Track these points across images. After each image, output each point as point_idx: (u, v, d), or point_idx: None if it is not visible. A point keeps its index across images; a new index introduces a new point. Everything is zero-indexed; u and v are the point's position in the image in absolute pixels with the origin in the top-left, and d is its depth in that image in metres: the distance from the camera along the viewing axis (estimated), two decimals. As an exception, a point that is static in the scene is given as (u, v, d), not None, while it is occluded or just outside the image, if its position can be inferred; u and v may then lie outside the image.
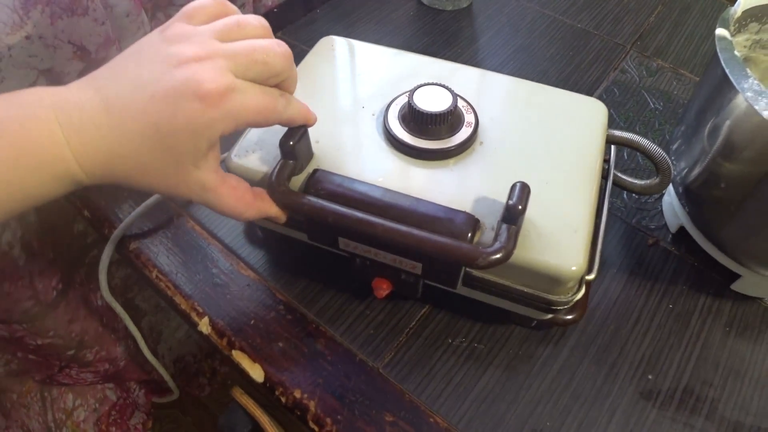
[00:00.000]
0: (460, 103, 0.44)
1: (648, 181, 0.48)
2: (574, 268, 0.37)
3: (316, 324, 0.46)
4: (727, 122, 0.42)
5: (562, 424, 0.42)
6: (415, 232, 0.35)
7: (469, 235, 0.37)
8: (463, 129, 0.43)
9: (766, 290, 0.50)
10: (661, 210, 0.56)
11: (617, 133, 0.46)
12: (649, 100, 0.66)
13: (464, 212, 0.38)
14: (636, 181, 0.49)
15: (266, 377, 0.43)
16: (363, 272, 0.43)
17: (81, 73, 0.59)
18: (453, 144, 0.42)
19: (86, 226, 0.71)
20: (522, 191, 0.36)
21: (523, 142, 0.44)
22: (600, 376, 0.44)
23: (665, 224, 0.54)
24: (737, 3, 0.46)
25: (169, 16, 0.69)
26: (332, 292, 0.47)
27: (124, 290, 0.82)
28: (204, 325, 0.45)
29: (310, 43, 0.52)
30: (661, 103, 0.65)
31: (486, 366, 0.44)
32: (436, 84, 0.43)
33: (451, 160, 0.42)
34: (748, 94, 0.39)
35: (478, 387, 0.43)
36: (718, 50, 0.42)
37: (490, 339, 0.45)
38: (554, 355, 0.45)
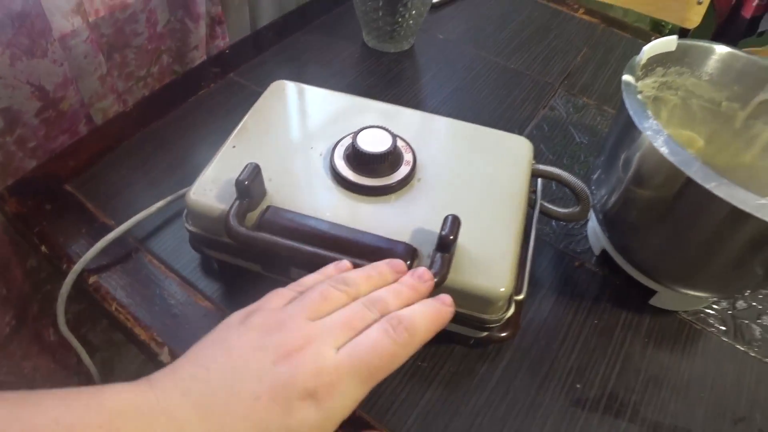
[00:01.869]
0: (400, 144, 0.48)
1: (570, 210, 0.54)
2: (502, 290, 0.42)
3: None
4: (636, 155, 0.48)
5: (500, 432, 0.46)
6: (360, 262, 0.39)
7: (408, 262, 0.41)
8: (402, 167, 0.47)
9: (680, 304, 0.56)
10: (586, 235, 0.62)
11: (541, 167, 0.52)
12: (575, 134, 0.72)
13: (404, 243, 0.42)
14: (560, 210, 0.54)
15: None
16: None
17: (38, 113, 0.61)
18: (393, 181, 0.46)
19: (39, 262, 0.72)
20: (453, 223, 0.40)
21: (457, 177, 0.48)
22: (533, 387, 0.49)
23: (590, 248, 0.60)
24: (641, 52, 0.52)
25: (125, 57, 0.72)
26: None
27: (77, 326, 0.83)
28: (164, 355, 0.48)
29: (261, 83, 0.57)
30: (587, 137, 0.72)
31: (429, 382, 0.48)
32: (377, 126, 0.47)
33: (392, 196, 0.47)
34: (648, 132, 0.45)
35: (422, 402, 0.47)
36: (623, 94, 0.48)
37: (433, 357, 0.50)
38: (491, 371, 0.49)
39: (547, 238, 0.61)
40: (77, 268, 0.51)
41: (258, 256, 0.46)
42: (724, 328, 0.56)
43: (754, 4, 1.89)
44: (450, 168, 0.49)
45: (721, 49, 0.56)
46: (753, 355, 0.54)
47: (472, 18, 0.91)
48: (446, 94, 0.76)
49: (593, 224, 0.60)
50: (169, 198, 0.55)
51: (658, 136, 0.44)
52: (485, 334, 0.47)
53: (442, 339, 0.49)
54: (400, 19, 0.75)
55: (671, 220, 0.47)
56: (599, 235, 0.58)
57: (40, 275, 0.73)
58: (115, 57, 0.70)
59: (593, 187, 0.56)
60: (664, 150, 0.43)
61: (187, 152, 0.64)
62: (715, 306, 0.57)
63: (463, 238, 0.42)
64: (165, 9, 0.73)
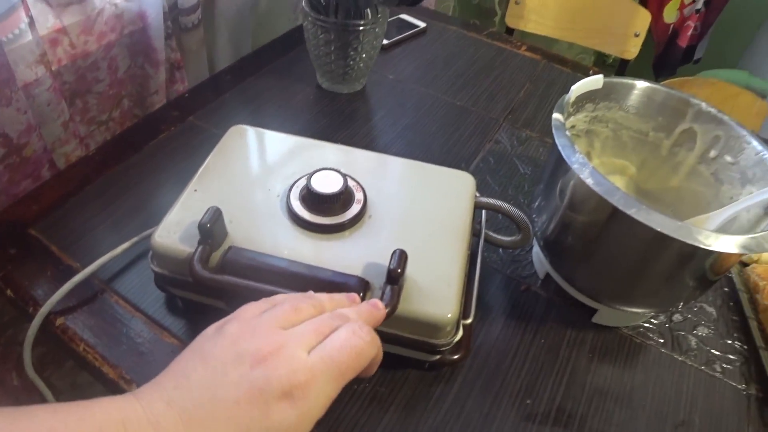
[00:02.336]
0: (351, 183, 0.52)
1: (513, 238, 0.58)
2: (449, 315, 0.45)
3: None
4: (569, 185, 0.53)
5: (455, 451, 0.49)
6: None
7: (361, 294, 0.44)
8: (354, 205, 0.51)
9: (620, 320, 0.60)
10: (531, 260, 0.66)
11: (484, 199, 0.56)
12: (519, 166, 0.77)
13: (357, 276, 0.45)
14: (504, 238, 0.59)
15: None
16: None
17: (1, 159, 0.63)
18: (345, 219, 0.50)
19: (2, 306, 0.73)
20: (400, 257, 0.44)
21: (405, 213, 0.52)
22: (486, 405, 0.52)
23: (535, 272, 0.65)
24: (570, 91, 0.57)
25: (86, 103, 0.74)
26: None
27: (40, 369, 0.83)
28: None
29: (219, 125, 0.60)
30: (530, 168, 0.77)
31: (388, 407, 0.51)
32: (329, 169, 0.51)
33: (346, 232, 0.50)
34: (575, 165, 0.49)
35: (381, 425, 0.49)
36: (553, 131, 0.53)
37: (390, 382, 0.52)
38: (446, 391, 0.53)
39: (495, 265, 0.65)
40: (44, 310, 0.53)
41: (221, 294, 0.49)
42: (662, 340, 0.60)
43: (689, 33, 2.02)
44: (398, 205, 0.53)
45: (641, 84, 0.62)
46: (690, 363, 0.58)
47: (420, 58, 0.97)
48: (397, 132, 0.80)
49: (537, 250, 0.64)
50: (133, 239, 0.57)
51: (584, 168, 0.49)
52: (438, 357, 0.50)
53: (398, 364, 0.53)
54: (351, 62, 0.79)
55: (604, 244, 0.52)
56: (542, 260, 0.62)
57: (3, 319, 0.73)
58: (77, 103, 0.73)
59: (534, 215, 0.60)
60: (589, 181, 0.48)
61: (150, 194, 0.66)
62: (653, 320, 0.62)
63: (412, 269, 0.46)
64: (126, 56, 0.75)
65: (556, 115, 0.54)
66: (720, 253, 0.47)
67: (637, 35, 1.34)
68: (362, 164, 0.57)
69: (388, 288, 0.43)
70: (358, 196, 0.52)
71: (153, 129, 0.75)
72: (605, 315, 0.59)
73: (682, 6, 1.99)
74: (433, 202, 0.54)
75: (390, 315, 0.42)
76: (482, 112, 0.85)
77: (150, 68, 0.76)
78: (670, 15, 2.01)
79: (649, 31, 1.96)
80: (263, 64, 0.89)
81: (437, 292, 0.46)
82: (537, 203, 0.61)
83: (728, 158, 0.60)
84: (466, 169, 0.60)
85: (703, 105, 0.61)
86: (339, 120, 0.81)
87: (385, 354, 0.51)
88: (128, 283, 0.57)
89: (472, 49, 1.00)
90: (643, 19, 1.33)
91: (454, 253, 0.49)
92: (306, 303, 0.37)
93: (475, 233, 0.59)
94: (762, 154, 0.56)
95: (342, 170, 0.51)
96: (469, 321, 0.51)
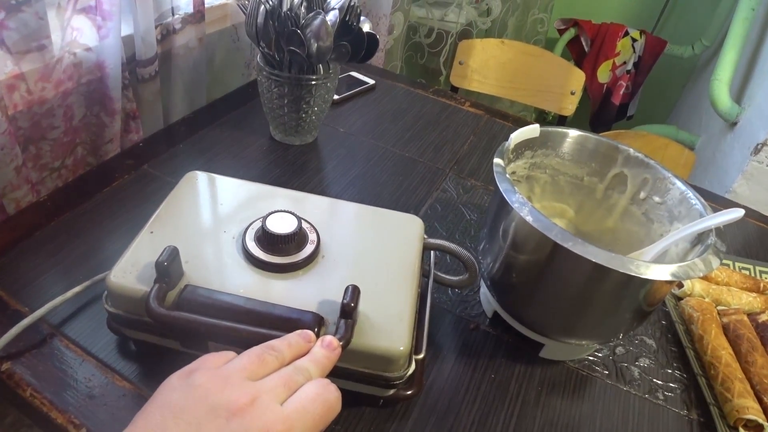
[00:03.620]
0: (305, 225, 0.54)
1: (461, 277, 0.61)
2: (401, 348, 0.47)
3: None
4: (511, 224, 0.56)
5: (411, 486, 0.50)
6: (273, 333, 0.43)
7: (316, 330, 0.45)
8: (308, 246, 0.53)
9: (566, 354, 0.63)
10: (479, 300, 0.68)
11: (432, 241, 0.58)
12: (465, 212, 0.81)
13: (311, 312, 0.47)
14: (452, 278, 0.61)
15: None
16: None
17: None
18: (300, 258, 0.51)
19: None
20: (353, 292, 0.46)
21: (357, 253, 0.54)
22: (440, 440, 0.53)
23: (483, 311, 0.67)
24: (509, 139, 0.61)
25: (40, 149, 0.74)
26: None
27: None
28: None
29: (173, 174, 0.61)
30: (475, 215, 0.81)
31: (343, 444, 0.51)
32: (284, 211, 0.53)
33: (300, 272, 0.51)
34: (516, 205, 0.53)
35: (338, 462, 0.50)
36: (494, 174, 0.56)
37: (345, 421, 0.53)
38: (401, 428, 0.53)
39: (445, 306, 0.67)
40: None
41: (177, 333, 0.49)
42: (606, 372, 0.63)
43: (621, 92, 2.16)
44: (351, 245, 0.55)
45: (574, 133, 0.66)
46: (634, 393, 0.61)
47: (370, 113, 1.01)
48: (349, 180, 0.83)
49: (484, 290, 0.67)
50: (85, 283, 0.57)
51: (524, 207, 0.52)
52: (391, 392, 0.51)
53: (353, 402, 0.54)
54: (303, 115, 0.82)
55: (546, 280, 0.55)
56: (490, 299, 0.65)
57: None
58: (31, 149, 0.72)
59: (480, 257, 0.63)
60: (529, 218, 0.51)
61: (101, 240, 0.66)
62: (597, 354, 0.64)
63: (365, 306, 0.48)
64: (82, 104, 0.76)
65: (497, 160, 0.58)
66: (653, 282, 0.51)
67: (573, 93, 1.43)
68: (315, 208, 0.59)
69: (342, 322, 0.45)
70: (312, 237, 0.53)
71: (106, 177, 0.75)
72: (552, 349, 0.62)
73: (614, 67, 2.14)
74: (384, 244, 0.56)
75: (344, 348, 0.43)
76: (429, 163, 0.89)
77: (106, 117, 0.77)
78: (603, 75, 2.15)
79: (585, 90, 2.10)
80: (217, 117, 0.91)
81: (390, 326, 0.48)
82: (482, 245, 0.63)
83: (656, 198, 0.65)
84: (415, 215, 0.63)
85: (631, 151, 0.66)
86: (292, 170, 0.83)
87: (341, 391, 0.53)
88: (79, 328, 0.56)
89: (418, 104, 1.05)
90: (578, 78, 1.43)
91: (404, 291, 0.51)
92: (269, 354, 0.37)
93: (424, 274, 0.61)
94: (685, 193, 0.61)
95: (296, 213, 0.53)
96: (420, 356, 0.52)
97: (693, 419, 0.60)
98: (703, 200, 0.59)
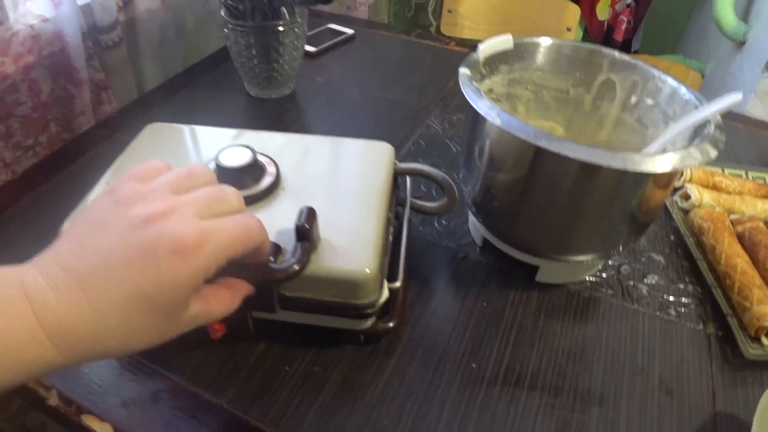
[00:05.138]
0: (262, 159, 0.48)
1: (440, 203, 0.54)
2: (367, 271, 0.42)
3: (161, 375, 0.47)
4: (486, 137, 0.50)
5: (398, 421, 0.44)
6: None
7: (272, 258, 0.40)
8: (266, 178, 0.47)
9: (564, 276, 0.56)
10: (468, 230, 0.62)
11: (403, 165, 0.53)
12: (451, 146, 0.74)
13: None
14: (430, 204, 0.55)
15: (115, 433, 0.43)
16: None
17: None
18: (257, 191, 0.46)
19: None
20: (308, 213, 0.40)
21: (321, 183, 0.49)
22: (428, 373, 0.48)
23: (473, 240, 0.61)
24: (478, 50, 0.55)
25: (9, 127, 0.70)
26: (175, 345, 0.48)
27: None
28: (53, 398, 0.45)
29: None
30: (462, 148, 0.74)
31: (323, 384, 0.46)
32: (238, 145, 0.47)
33: (258, 204, 0.46)
34: (483, 110, 0.46)
35: (317, 403, 0.45)
36: (461, 84, 0.50)
37: (325, 360, 0.48)
38: (385, 364, 0.48)
39: (431, 238, 0.61)
40: None
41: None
42: (611, 292, 0.56)
43: (623, 27, 2.04)
44: (314, 176, 0.50)
45: (547, 42, 0.60)
46: (643, 311, 0.54)
47: (350, 62, 0.95)
48: (328, 127, 0.77)
49: (472, 218, 0.61)
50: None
51: (492, 110, 0.46)
52: (369, 324, 0.46)
53: (332, 342, 0.49)
54: (275, 65, 0.76)
55: (530, 192, 0.48)
56: (477, 226, 0.59)
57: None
58: (0, 128, 0.69)
59: (463, 186, 0.57)
60: (497, 121, 0.45)
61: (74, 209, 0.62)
62: (600, 274, 0.58)
63: (328, 233, 0.43)
64: (47, 78, 0.72)
65: (463, 70, 0.52)
66: (647, 178, 0.44)
67: (569, 29, 1.34)
68: (277, 144, 0.53)
69: (298, 245, 0.40)
70: (270, 169, 0.48)
71: (80, 149, 0.71)
72: (548, 271, 0.56)
73: (614, 2, 2.02)
74: (350, 172, 0.50)
75: (300, 270, 0.39)
76: (413, 103, 0.83)
77: (73, 88, 0.73)
78: (602, 12, 2.03)
79: (586, 31, 1.99)
80: (193, 80, 0.86)
81: (353, 249, 0.43)
82: (462, 173, 0.57)
83: (648, 101, 0.57)
84: (398, 151, 0.57)
85: (616, 54, 0.59)
86: (269, 123, 0.77)
87: (315, 332, 0.47)
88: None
89: (401, 49, 0.99)
90: (573, 13, 1.34)
91: (371, 216, 0.46)
92: (200, 171, 0.36)
93: (400, 203, 0.55)
94: (678, 89, 0.54)
95: (252, 147, 0.47)
96: (397, 284, 0.47)
97: (710, 333, 0.53)
98: (697, 93, 0.52)
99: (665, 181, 0.47)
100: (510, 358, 0.49)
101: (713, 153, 0.44)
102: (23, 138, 0.72)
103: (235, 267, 0.37)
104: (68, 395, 0.45)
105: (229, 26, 0.73)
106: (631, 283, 0.58)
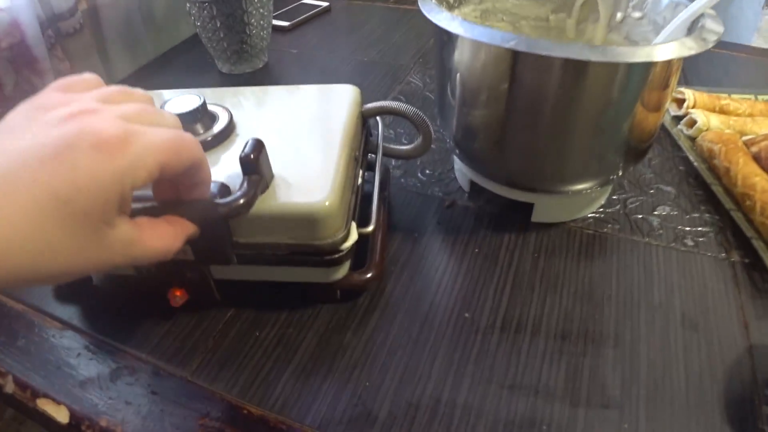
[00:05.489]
0: (214, 108, 0.44)
1: (414, 144, 0.49)
2: (326, 204, 0.36)
3: (121, 351, 0.41)
4: (455, 64, 0.44)
5: (383, 380, 0.38)
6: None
7: (219, 198, 0.35)
8: (217, 125, 0.42)
9: (562, 212, 0.50)
10: (455, 177, 0.56)
11: (370, 105, 0.47)
12: (432, 98, 0.68)
13: (215, 182, 0.36)
14: (404, 147, 0.50)
15: (71, 416, 0.38)
16: (154, 284, 0.42)
17: None
18: (208, 137, 0.41)
19: None
20: (254, 144, 0.35)
21: (278, 128, 0.43)
22: (415, 328, 0.42)
23: (460, 188, 0.55)
24: (442, -27, 0.49)
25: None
26: (138, 319, 0.44)
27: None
28: (8, 384, 0.40)
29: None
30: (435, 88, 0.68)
31: (296, 348, 0.40)
32: (185, 93, 0.43)
33: (210, 151, 0.41)
34: (443, 23, 0.41)
35: (290, 369, 0.39)
36: (419, 4, 0.44)
37: (299, 322, 0.42)
38: (365, 321, 0.42)
39: (414, 189, 0.55)
40: None
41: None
42: (618, 226, 0.50)
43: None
44: (272, 121, 0.45)
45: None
46: (656, 244, 0.48)
47: (324, 31, 0.90)
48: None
49: (458, 164, 0.55)
50: None
51: (452, 21, 0.40)
52: (340, 274, 0.40)
53: (306, 302, 0.43)
54: (243, 36, 0.71)
55: (515, 114, 0.43)
56: (464, 171, 0.53)
57: None
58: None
59: (442, 129, 0.51)
60: (460, 31, 0.39)
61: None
62: (604, 210, 0.52)
63: (284, 173, 0.38)
64: (10, 71, 0.68)
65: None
66: (646, 74, 0.38)
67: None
68: (236, 95, 0.48)
69: (245, 179, 0.35)
70: (223, 117, 0.43)
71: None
72: (544, 208, 0.50)
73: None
74: (311, 115, 0.45)
75: (248, 205, 0.34)
76: (391, 62, 0.77)
77: (36, 79, 0.69)
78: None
79: None
80: (165, 67, 0.82)
81: (311, 184, 0.37)
82: (439, 115, 0.51)
83: (635, 14, 0.52)
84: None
85: (595, -32, 0.53)
86: (241, 96, 0.72)
87: (290, 291, 0.42)
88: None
89: (378, 15, 0.94)
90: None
91: (331, 151, 0.40)
92: (138, 90, 0.31)
93: (372, 150, 0.50)
94: (666, -9, 0.48)
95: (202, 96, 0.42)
96: (369, 228, 0.41)
97: (734, 261, 0.46)
98: (686, -9, 0.46)
99: (662, 79, 0.40)
100: (508, 305, 0.43)
101: (711, 38, 0.38)
102: None
103: (174, 205, 0.32)
104: (24, 380, 0.40)
105: (191, 1, 0.69)
106: (640, 216, 0.51)
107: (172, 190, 0.33)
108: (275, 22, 0.86)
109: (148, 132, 0.27)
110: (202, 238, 0.35)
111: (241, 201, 0.33)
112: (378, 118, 0.51)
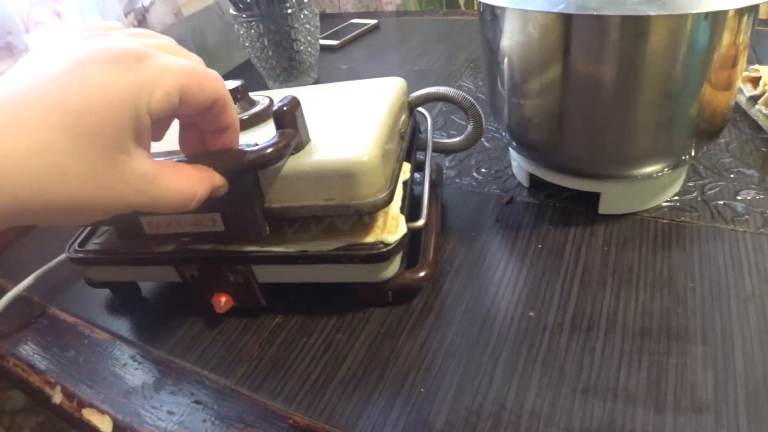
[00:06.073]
0: (256, 96, 0.42)
1: (464, 134, 0.45)
2: (364, 158, 0.33)
3: (167, 361, 0.39)
4: (498, 41, 0.40)
5: (440, 386, 0.34)
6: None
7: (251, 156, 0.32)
8: (257, 107, 0.40)
9: (633, 202, 0.45)
10: (512, 174, 0.52)
11: (416, 94, 0.44)
12: (484, 98, 0.65)
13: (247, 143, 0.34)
14: (455, 140, 0.46)
15: (114, 425, 0.36)
16: (199, 290, 0.40)
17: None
18: (246, 116, 0.39)
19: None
20: (290, 100, 0.33)
21: (321, 110, 0.41)
22: (474, 328, 0.37)
23: (519, 183, 0.50)
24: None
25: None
26: (184, 329, 0.42)
27: None
28: (56, 395, 0.39)
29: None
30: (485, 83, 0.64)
31: (346, 353, 0.37)
32: (231, 80, 0.41)
33: (247, 131, 0.39)
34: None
35: (339, 375, 0.36)
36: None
37: (348, 327, 0.39)
38: (420, 324, 0.38)
39: (469, 188, 0.51)
40: None
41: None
42: (697, 214, 0.44)
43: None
44: (316, 105, 0.42)
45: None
46: (743, 230, 0.42)
47: (374, 47, 0.88)
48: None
49: (515, 158, 0.51)
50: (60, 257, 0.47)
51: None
52: (390, 271, 0.37)
53: (357, 306, 0.40)
54: (292, 53, 0.71)
55: (571, 90, 0.38)
56: (521, 163, 0.49)
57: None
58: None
59: (496, 122, 0.47)
60: (504, 2, 0.36)
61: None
62: (679, 198, 0.46)
63: (322, 140, 0.36)
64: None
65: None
66: (716, 27, 0.33)
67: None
68: (280, 93, 0.46)
69: (277, 132, 0.33)
70: (264, 101, 0.41)
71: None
72: (612, 198, 0.45)
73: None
74: (355, 101, 0.42)
75: (277, 155, 0.31)
76: (441, 69, 0.75)
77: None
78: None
79: None
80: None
81: (348, 145, 0.35)
82: (492, 108, 0.47)
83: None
84: (429, 110, 0.49)
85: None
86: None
87: (340, 295, 0.40)
88: (66, 296, 0.48)
89: (427, 27, 0.91)
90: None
91: (370, 121, 0.37)
92: (162, 36, 0.29)
93: (420, 147, 0.46)
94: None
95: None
96: (419, 223, 0.38)
97: None
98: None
99: (733, 34, 0.35)
100: (577, 301, 0.38)
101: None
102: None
103: (202, 158, 0.30)
104: (71, 390, 0.39)
105: (239, 21, 0.69)
106: (722, 202, 0.45)
107: (200, 142, 0.30)
108: (324, 41, 0.86)
109: (169, 57, 0.25)
110: (231, 200, 0.32)
111: (270, 149, 0.31)
112: (427, 114, 0.48)
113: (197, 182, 0.28)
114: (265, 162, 0.31)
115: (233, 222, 0.35)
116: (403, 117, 0.42)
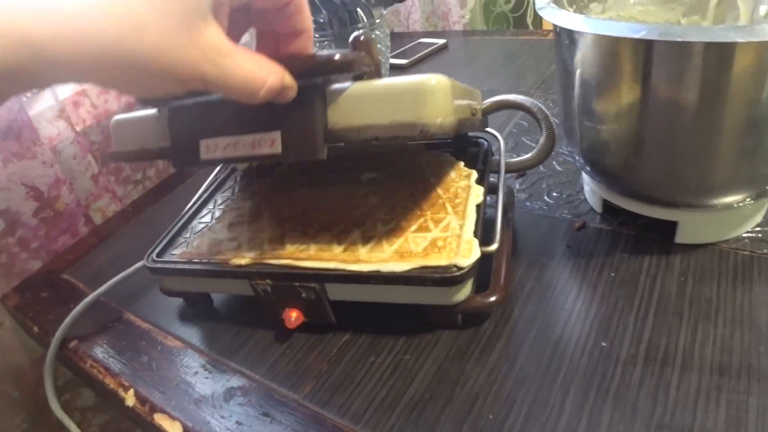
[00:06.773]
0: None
1: (537, 149, 0.45)
2: (433, 81, 0.33)
3: (237, 371, 0.40)
4: (575, 64, 0.40)
5: (508, 414, 0.33)
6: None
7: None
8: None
9: (712, 232, 0.43)
10: (585, 198, 0.51)
11: (490, 100, 0.44)
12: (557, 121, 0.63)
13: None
14: (526, 156, 0.46)
15: None
16: (271, 305, 0.40)
17: (35, 213, 0.60)
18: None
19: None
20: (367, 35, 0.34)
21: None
22: (545, 356, 0.37)
23: (591, 209, 0.49)
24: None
25: (119, 162, 0.72)
26: (255, 341, 0.43)
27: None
28: (129, 398, 0.41)
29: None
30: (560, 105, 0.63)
31: (414, 375, 0.37)
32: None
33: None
34: (565, 22, 0.37)
35: (406, 397, 0.36)
36: (536, 8, 0.41)
37: (416, 349, 0.39)
38: (489, 349, 0.38)
39: (540, 212, 0.50)
40: (59, 335, 0.46)
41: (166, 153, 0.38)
42: (782, 247, 0.42)
43: None
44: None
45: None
46: (836, 265, 0.40)
47: (441, 67, 0.88)
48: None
49: (587, 183, 0.49)
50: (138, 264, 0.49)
51: (575, 19, 0.36)
52: (462, 294, 0.37)
53: (425, 327, 0.40)
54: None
55: (650, 115, 0.37)
56: (594, 189, 0.47)
57: (57, 383, 0.67)
58: (110, 163, 0.70)
59: (569, 148, 0.46)
60: (584, 27, 0.35)
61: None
62: (762, 229, 0.44)
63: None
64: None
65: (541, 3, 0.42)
66: None
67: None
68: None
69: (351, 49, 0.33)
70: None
71: (180, 177, 0.72)
72: (690, 228, 0.43)
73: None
74: None
75: (346, 64, 0.31)
76: (511, 90, 0.73)
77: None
78: None
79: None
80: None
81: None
82: (565, 131, 0.46)
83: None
84: (500, 132, 0.48)
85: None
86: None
87: (409, 317, 0.40)
88: (141, 303, 0.50)
89: (496, 47, 0.90)
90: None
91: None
92: None
93: (494, 169, 0.46)
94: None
95: None
96: (492, 247, 0.37)
97: None
98: None
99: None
100: (652, 333, 0.37)
101: None
102: (132, 172, 0.73)
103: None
104: (144, 394, 0.41)
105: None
106: (810, 234, 0.43)
107: (275, 46, 0.31)
108: (394, 60, 0.87)
109: None
110: (293, 118, 0.32)
111: (338, 57, 0.30)
112: (499, 135, 0.47)
113: (268, 71, 0.28)
114: (334, 68, 0.30)
115: (292, 142, 0.33)
116: (475, 101, 0.41)
